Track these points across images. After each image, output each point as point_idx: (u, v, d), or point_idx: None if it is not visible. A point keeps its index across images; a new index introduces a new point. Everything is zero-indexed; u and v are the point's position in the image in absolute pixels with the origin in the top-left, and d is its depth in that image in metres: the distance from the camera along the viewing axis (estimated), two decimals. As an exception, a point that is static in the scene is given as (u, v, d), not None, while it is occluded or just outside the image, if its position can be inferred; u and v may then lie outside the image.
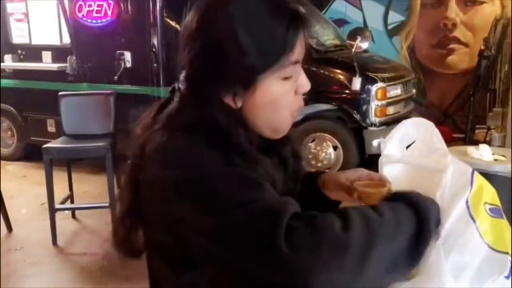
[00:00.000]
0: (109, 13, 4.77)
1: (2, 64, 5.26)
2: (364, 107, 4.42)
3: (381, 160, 0.90)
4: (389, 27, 6.37)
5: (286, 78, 0.82)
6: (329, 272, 0.68)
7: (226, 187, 0.74)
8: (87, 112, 3.93)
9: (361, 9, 6.42)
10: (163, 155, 0.79)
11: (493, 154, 2.73)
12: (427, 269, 0.75)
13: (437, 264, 0.75)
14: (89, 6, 4.82)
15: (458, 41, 5.94)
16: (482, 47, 4.78)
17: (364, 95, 4.40)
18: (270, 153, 0.88)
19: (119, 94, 4.05)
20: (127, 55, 4.72)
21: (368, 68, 4.50)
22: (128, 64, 4.74)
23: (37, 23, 5.29)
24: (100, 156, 3.60)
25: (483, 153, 2.71)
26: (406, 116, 4.67)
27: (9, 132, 5.58)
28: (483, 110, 5.29)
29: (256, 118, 0.83)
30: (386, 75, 4.58)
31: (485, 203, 0.79)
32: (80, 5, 4.85)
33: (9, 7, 5.33)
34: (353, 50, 4.40)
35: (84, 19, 4.87)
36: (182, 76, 0.84)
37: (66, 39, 5.12)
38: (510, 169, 2.55)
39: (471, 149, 2.76)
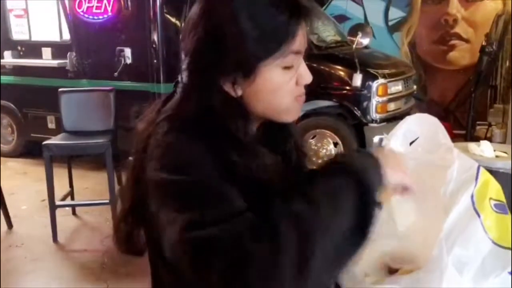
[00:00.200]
0: (109, 9, 4.75)
1: (2, 60, 5.25)
2: (365, 104, 4.40)
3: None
4: (390, 23, 6.35)
5: (287, 68, 0.82)
6: None
7: (188, 197, 0.75)
8: (87, 109, 3.92)
9: (362, 5, 6.40)
10: (160, 152, 0.79)
11: (494, 150, 2.72)
12: (429, 263, 0.75)
13: (439, 258, 0.74)
14: (89, 2, 4.81)
15: (459, 37, 5.92)
16: (484, 43, 4.76)
17: (365, 92, 4.38)
18: (273, 147, 0.88)
19: (119, 90, 4.05)
20: (127, 52, 4.71)
21: (369, 64, 4.49)
22: (128, 61, 4.73)
23: (36, 19, 5.27)
24: (100, 153, 3.60)
25: (484, 149, 2.70)
26: (407, 113, 4.67)
27: (9, 129, 5.58)
28: (484, 106, 5.27)
29: (256, 106, 0.83)
30: (387, 71, 4.56)
31: (490, 198, 0.78)
32: (80, 1, 4.84)
33: (9, 3, 5.32)
34: (354, 46, 4.38)
35: (84, 15, 4.86)
36: (184, 65, 0.84)
37: (66, 36, 5.10)
38: (511, 166, 2.54)
39: (472, 146, 2.75)
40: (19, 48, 5.36)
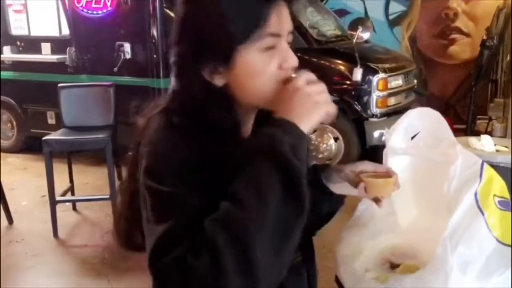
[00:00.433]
0: (108, 4, 4.73)
1: (1, 55, 5.23)
2: (365, 98, 4.39)
3: (386, 151, 0.89)
4: (391, 17, 6.33)
5: (266, 49, 0.80)
6: None
7: (154, 201, 0.76)
8: (87, 104, 3.91)
9: (362, -1, 6.38)
10: (146, 153, 0.80)
11: (495, 144, 2.72)
12: (432, 262, 0.74)
13: (443, 257, 0.73)
14: (88, -4, 4.79)
15: (460, 31, 5.89)
16: (485, 37, 4.74)
17: (365, 86, 4.37)
18: None
19: (118, 85, 4.03)
20: (127, 46, 4.69)
21: (369, 59, 4.47)
22: (128, 56, 4.71)
23: (35, 14, 5.25)
24: (100, 148, 3.59)
25: (485, 143, 2.69)
26: (407, 107, 4.66)
27: (9, 124, 5.57)
28: (485, 100, 5.25)
29: (241, 94, 0.82)
30: (387, 65, 4.55)
31: (494, 195, 0.77)
32: (79, -5, 4.82)
33: (8, -2, 5.30)
34: (354, 40, 4.36)
35: (83, 10, 4.84)
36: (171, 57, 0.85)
37: (65, 31, 5.08)
38: (511, 160, 2.53)
39: (472, 140, 2.74)
40: (18, 43, 5.34)
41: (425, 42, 6.15)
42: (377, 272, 0.97)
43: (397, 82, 4.57)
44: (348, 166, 0.95)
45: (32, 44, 5.25)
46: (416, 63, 5.39)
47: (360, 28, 4.41)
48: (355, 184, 0.91)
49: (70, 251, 3.45)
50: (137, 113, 0.89)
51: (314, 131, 4.51)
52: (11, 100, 5.38)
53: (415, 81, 5.06)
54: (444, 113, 0.93)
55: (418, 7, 6.13)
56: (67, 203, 3.94)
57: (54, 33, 5.15)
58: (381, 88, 4.38)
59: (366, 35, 4.51)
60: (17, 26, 5.32)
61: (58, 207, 3.57)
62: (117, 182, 3.43)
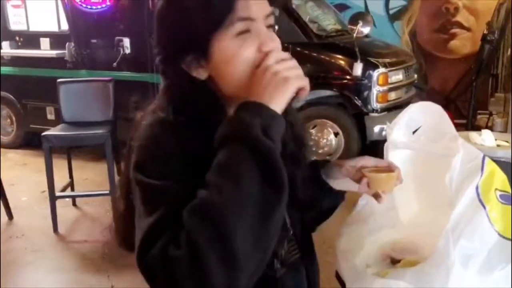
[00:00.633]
0: (107, -2, 4.72)
1: (0, 51, 5.21)
2: (366, 93, 4.38)
3: (387, 146, 0.88)
4: (391, 12, 6.31)
5: (239, 34, 0.79)
6: None
7: (142, 196, 0.76)
8: (86, 99, 3.90)
9: (363, -6, 6.35)
10: (138, 144, 0.80)
11: (495, 139, 2.71)
12: (434, 255, 0.73)
13: (444, 250, 0.73)
14: (87, -9, 4.77)
15: (461, 26, 5.87)
16: (485, 32, 4.72)
17: (366, 81, 4.36)
18: None
19: (118, 80, 4.02)
20: (126, 41, 4.68)
21: (369, 54, 4.46)
22: (127, 51, 4.70)
23: (34, 9, 5.23)
24: (99, 144, 3.58)
25: (486, 138, 2.68)
26: (407, 102, 4.65)
27: (9, 120, 5.56)
28: (485, 95, 5.23)
29: (224, 85, 0.81)
30: (388, 60, 4.53)
31: (496, 189, 0.77)
32: (78, -10, 4.80)
33: (6, -7, 5.28)
34: (354, 35, 4.35)
35: (82, 5, 4.81)
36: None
37: (64, 26, 5.06)
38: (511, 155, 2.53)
39: (473, 135, 2.73)
40: (17, 38, 5.32)
41: (425, 36, 6.13)
42: (377, 267, 0.97)
43: (397, 76, 4.56)
44: (348, 162, 0.94)
45: (31, 39, 5.23)
46: (416, 58, 5.37)
47: (360, 23, 4.39)
48: (356, 179, 0.91)
49: (70, 246, 3.45)
50: (137, 109, 0.89)
51: (314, 126, 4.50)
52: (11, 96, 5.37)
53: (416, 75, 5.04)
54: (445, 107, 0.92)
55: (419, 2, 6.11)
56: (67, 199, 3.94)
57: (53, 28, 5.14)
58: (381, 83, 4.37)
59: (366, 30, 4.49)
60: (16, 21, 5.30)
61: (58, 202, 3.57)
62: (116, 178, 3.43)
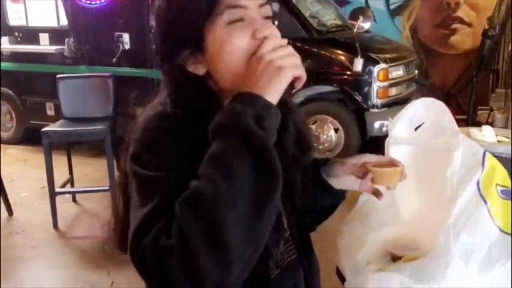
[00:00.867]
0: (107, -6, 4.70)
1: (0, 46, 5.20)
2: (366, 89, 4.37)
3: (388, 141, 0.88)
4: (391, 7, 6.29)
5: (230, 23, 0.78)
6: (198, 286, 0.66)
7: (137, 186, 0.76)
8: (86, 95, 3.89)
9: (363, -11, 6.33)
10: (135, 137, 0.80)
11: (496, 135, 2.70)
12: (434, 250, 0.73)
13: (445, 245, 0.72)
14: (87, -14, 4.75)
15: (461, 21, 5.85)
16: (486, 27, 4.71)
17: (366, 77, 4.35)
18: None
19: (117, 76, 4.01)
20: (125, 37, 4.66)
21: (370, 49, 4.44)
22: (127, 46, 4.69)
23: (33, 4, 5.21)
24: (99, 139, 3.58)
25: (486, 134, 2.68)
26: (408, 98, 4.64)
27: (8, 116, 5.55)
28: (486, 91, 5.23)
29: (220, 75, 0.80)
30: (388, 56, 4.52)
31: (497, 184, 0.76)
32: (77, -15, 4.78)
33: (5, -12, 5.26)
34: (354, 30, 4.33)
35: (82, 0, 4.80)
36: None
37: (64, 21, 5.05)
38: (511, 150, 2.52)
39: (474, 131, 2.73)
40: (16, 34, 5.31)
41: (426, 32, 6.11)
42: (379, 264, 0.96)
43: (398, 72, 4.55)
44: (350, 159, 0.93)
45: (30, 34, 5.22)
46: (417, 53, 5.36)
47: (361, 18, 4.38)
48: (359, 175, 0.90)
49: (70, 242, 3.45)
50: (136, 104, 0.88)
51: (314, 122, 4.49)
52: (10, 91, 5.36)
53: (416, 71, 5.03)
54: (445, 103, 0.92)
55: (419, -3, 6.09)
56: (67, 195, 3.94)
57: (52, 23, 5.12)
58: (381, 78, 4.36)
59: (366, 25, 4.48)
60: (15, 17, 5.28)
61: (58, 198, 3.57)
62: (116, 174, 3.42)
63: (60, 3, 5.03)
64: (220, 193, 0.66)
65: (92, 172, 4.51)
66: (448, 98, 5.88)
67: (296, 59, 0.75)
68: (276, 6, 4.19)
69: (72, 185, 4.02)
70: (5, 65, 5.19)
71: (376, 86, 4.35)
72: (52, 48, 5.03)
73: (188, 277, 0.65)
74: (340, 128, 4.47)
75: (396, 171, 0.82)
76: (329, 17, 5.08)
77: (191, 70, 0.81)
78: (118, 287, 2.83)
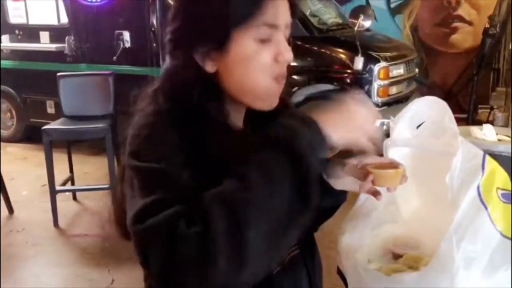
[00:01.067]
0: (107, -8, 4.69)
1: (0, 44, 5.19)
2: (366, 87, 4.36)
3: (386, 143, 0.87)
4: (392, 5, 6.28)
5: (262, 41, 0.78)
6: (206, 282, 0.65)
7: (139, 180, 0.74)
8: (86, 93, 3.89)
9: (364, -13, 6.31)
10: (134, 132, 0.79)
11: (496, 134, 2.70)
12: (437, 259, 0.72)
13: (447, 254, 0.71)
14: (87, -16, 4.75)
15: (462, 20, 5.85)
16: (487, 26, 4.70)
17: (366, 75, 4.34)
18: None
19: (118, 74, 4.01)
20: (126, 35, 4.66)
21: (370, 47, 4.43)
22: (127, 44, 4.68)
23: (34, 2, 5.21)
24: (100, 137, 3.58)
25: (487, 133, 2.67)
26: (408, 96, 4.63)
27: (9, 114, 5.55)
28: (487, 89, 5.23)
29: (230, 84, 0.80)
30: (389, 54, 4.51)
31: (497, 188, 0.75)
32: (78, -17, 4.77)
33: (5, -14, 5.25)
34: (355, 29, 4.32)
35: (82, -2, 4.79)
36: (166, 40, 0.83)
37: (64, 19, 5.04)
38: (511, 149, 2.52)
39: (474, 129, 2.72)
40: (16, 32, 5.30)
41: (426, 30, 6.10)
42: (379, 263, 0.96)
43: (398, 71, 4.54)
44: (350, 160, 0.93)
45: (30, 32, 5.21)
46: (417, 52, 5.35)
47: (362, 17, 4.36)
48: (360, 177, 0.89)
49: (70, 240, 3.45)
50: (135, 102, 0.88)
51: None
52: (10, 89, 5.36)
53: (417, 70, 5.02)
54: (446, 102, 0.92)
55: (420, -5, 6.08)
56: (67, 193, 3.94)
57: (53, 21, 5.12)
58: (382, 77, 4.35)
59: (367, 24, 4.46)
60: (15, 15, 5.28)
61: (58, 196, 3.57)
62: (117, 172, 3.42)
63: (60, 1, 5.03)
64: (254, 200, 0.66)
65: (93, 170, 4.51)
66: (448, 96, 5.88)
67: (376, 121, 0.78)
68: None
69: (73, 183, 4.02)
70: (6, 63, 5.19)
71: (376, 84, 4.34)
72: (53, 46, 5.02)
73: (196, 268, 0.65)
74: (341, 126, 4.46)
75: (398, 173, 0.82)
76: (330, 16, 5.07)
77: (201, 65, 0.80)
78: (118, 285, 2.84)
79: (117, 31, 4.66)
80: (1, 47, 5.21)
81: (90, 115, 3.76)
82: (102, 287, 2.83)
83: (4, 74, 5.03)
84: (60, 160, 3.84)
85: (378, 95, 4.36)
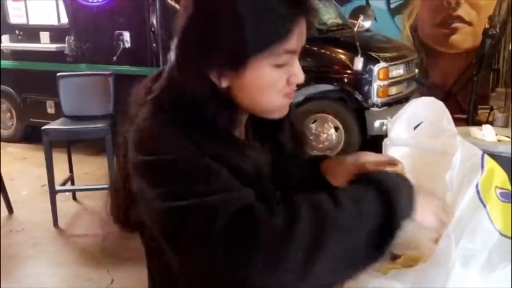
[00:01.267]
0: (107, -8, 4.70)
1: (0, 44, 5.20)
2: (366, 88, 4.37)
3: (385, 142, 0.87)
4: (392, 6, 6.28)
5: (278, 66, 0.78)
6: (268, 273, 0.65)
7: (174, 175, 0.73)
8: (86, 93, 3.89)
9: (364, -13, 6.32)
10: (135, 135, 0.78)
11: (496, 134, 2.70)
12: (435, 257, 0.72)
13: (446, 252, 0.72)
14: (87, -16, 4.75)
15: (462, 20, 5.85)
16: (487, 26, 4.70)
17: (366, 75, 4.35)
18: (264, 136, 0.86)
19: (118, 74, 4.01)
20: (126, 35, 4.66)
21: (370, 48, 4.44)
22: (127, 45, 4.68)
23: (34, 2, 5.21)
24: (100, 138, 3.58)
25: (486, 133, 2.68)
26: (408, 97, 4.64)
27: (9, 114, 5.56)
28: (486, 90, 5.23)
29: (242, 101, 0.80)
30: (389, 54, 4.52)
31: (496, 187, 0.76)
32: (78, -17, 4.78)
33: (5, -14, 5.26)
34: (355, 29, 4.33)
35: (82, -2, 4.80)
36: (173, 44, 0.80)
37: (64, 19, 5.04)
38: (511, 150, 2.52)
39: (474, 130, 2.73)
40: (17, 32, 5.30)
41: (426, 31, 6.10)
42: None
43: (398, 71, 4.55)
44: (349, 158, 0.93)
45: (30, 33, 5.21)
46: (417, 52, 5.36)
47: (361, 17, 4.37)
48: (357, 175, 0.90)
49: (70, 240, 3.45)
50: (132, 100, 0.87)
51: (314, 121, 4.49)
52: (10, 89, 5.36)
53: (417, 70, 5.03)
54: (446, 102, 0.92)
55: (420, -4, 6.09)
56: (67, 193, 3.94)
57: (53, 21, 5.12)
58: (382, 77, 4.36)
59: (367, 24, 4.47)
60: (15, 15, 5.28)
61: (58, 196, 3.57)
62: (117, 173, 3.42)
63: (60, 1, 5.03)
64: (340, 221, 0.68)
65: (92, 170, 4.51)
66: (448, 97, 5.88)
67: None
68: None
69: (73, 183, 4.03)
70: (6, 63, 5.19)
71: (376, 85, 4.35)
72: (53, 46, 5.02)
73: (273, 257, 0.66)
74: (340, 127, 4.47)
75: (396, 171, 0.82)
76: (330, 16, 5.08)
77: (215, 81, 0.77)
78: (117, 285, 2.84)
79: (117, 31, 4.67)
80: (1, 47, 5.22)
81: (90, 115, 3.76)
82: (102, 287, 2.83)
83: (4, 74, 5.03)
84: (60, 160, 3.85)
85: (377, 96, 4.36)
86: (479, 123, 3.64)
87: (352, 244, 0.69)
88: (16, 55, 5.26)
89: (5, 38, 5.28)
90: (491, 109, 4.82)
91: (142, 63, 4.63)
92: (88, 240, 3.37)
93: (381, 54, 4.44)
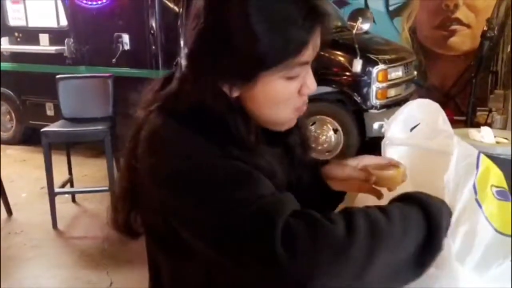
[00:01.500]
0: (107, -6, 4.70)
1: (0, 47, 5.20)
2: (365, 90, 4.38)
3: (384, 142, 0.88)
4: (391, 8, 6.29)
5: (291, 78, 0.76)
6: (327, 278, 0.66)
7: (217, 180, 0.71)
8: (85, 96, 3.90)
9: (362, -10, 6.33)
10: (153, 142, 0.76)
11: (494, 136, 2.71)
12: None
13: (446, 253, 0.72)
14: (86, -13, 4.76)
15: (460, 22, 5.86)
16: (485, 28, 4.71)
17: (365, 77, 4.36)
18: (274, 142, 0.85)
19: (117, 77, 4.02)
20: (125, 38, 4.67)
21: (369, 50, 4.45)
22: (126, 47, 4.69)
23: (33, 5, 5.22)
24: (99, 140, 3.58)
25: (485, 135, 2.68)
26: (407, 99, 4.64)
27: (8, 116, 5.56)
28: (485, 92, 5.23)
29: (251, 111, 0.79)
30: (387, 57, 4.53)
31: (492, 185, 0.77)
32: (77, -14, 4.79)
33: (5, -11, 5.26)
34: (354, 31, 4.34)
35: (82, 0, 4.80)
36: (183, 52, 0.80)
37: (63, 22, 5.05)
38: (511, 152, 2.53)
39: (472, 132, 2.74)
40: (16, 34, 5.31)
41: (425, 33, 6.12)
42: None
43: (397, 73, 4.56)
44: (350, 161, 0.93)
45: (30, 35, 5.22)
46: (416, 54, 5.37)
47: (360, 19, 4.39)
48: (359, 178, 0.90)
49: (69, 242, 3.45)
50: (135, 105, 0.86)
51: (313, 123, 4.50)
52: (10, 92, 5.37)
53: (415, 72, 5.04)
54: (444, 104, 0.92)
55: (419, -2, 6.10)
56: (66, 195, 3.94)
57: (52, 24, 5.12)
58: (381, 79, 4.37)
59: (366, 26, 4.49)
60: (14, 17, 5.28)
61: (57, 198, 3.57)
62: (116, 174, 3.43)
63: (60, 4, 5.03)
64: (390, 235, 0.69)
65: (92, 172, 4.51)
66: (447, 99, 5.90)
67: None
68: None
69: (72, 185, 4.03)
70: (5, 66, 5.19)
71: (375, 87, 4.36)
72: (52, 49, 5.03)
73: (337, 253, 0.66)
74: (339, 129, 4.47)
75: (399, 173, 0.82)
76: (329, 18, 5.08)
77: (226, 91, 0.76)
78: (117, 287, 2.84)
79: (116, 34, 4.67)
80: (1, 50, 5.22)
81: (89, 117, 3.77)
82: (101, 289, 2.83)
83: (4, 77, 5.03)
84: (59, 162, 3.85)
85: (376, 98, 4.37)
86: (477, 125, 3.65)
87: (399, 258, 0.70)
88: (16, 57, 5.27)
89: (4, 40, 5.28)
90: (490, 111, 4.83)
91: (142, 65, 4.64)
92: (88, 242, 3.37)
93: (380, 56, 4.45)
